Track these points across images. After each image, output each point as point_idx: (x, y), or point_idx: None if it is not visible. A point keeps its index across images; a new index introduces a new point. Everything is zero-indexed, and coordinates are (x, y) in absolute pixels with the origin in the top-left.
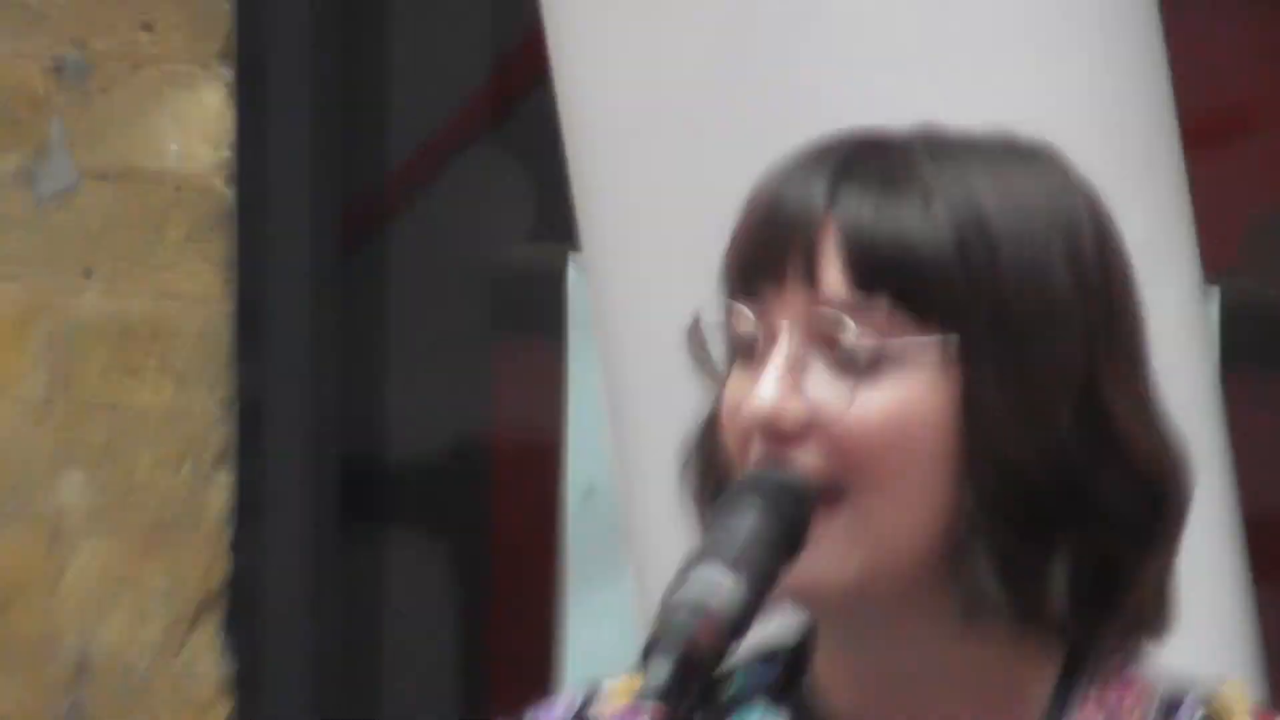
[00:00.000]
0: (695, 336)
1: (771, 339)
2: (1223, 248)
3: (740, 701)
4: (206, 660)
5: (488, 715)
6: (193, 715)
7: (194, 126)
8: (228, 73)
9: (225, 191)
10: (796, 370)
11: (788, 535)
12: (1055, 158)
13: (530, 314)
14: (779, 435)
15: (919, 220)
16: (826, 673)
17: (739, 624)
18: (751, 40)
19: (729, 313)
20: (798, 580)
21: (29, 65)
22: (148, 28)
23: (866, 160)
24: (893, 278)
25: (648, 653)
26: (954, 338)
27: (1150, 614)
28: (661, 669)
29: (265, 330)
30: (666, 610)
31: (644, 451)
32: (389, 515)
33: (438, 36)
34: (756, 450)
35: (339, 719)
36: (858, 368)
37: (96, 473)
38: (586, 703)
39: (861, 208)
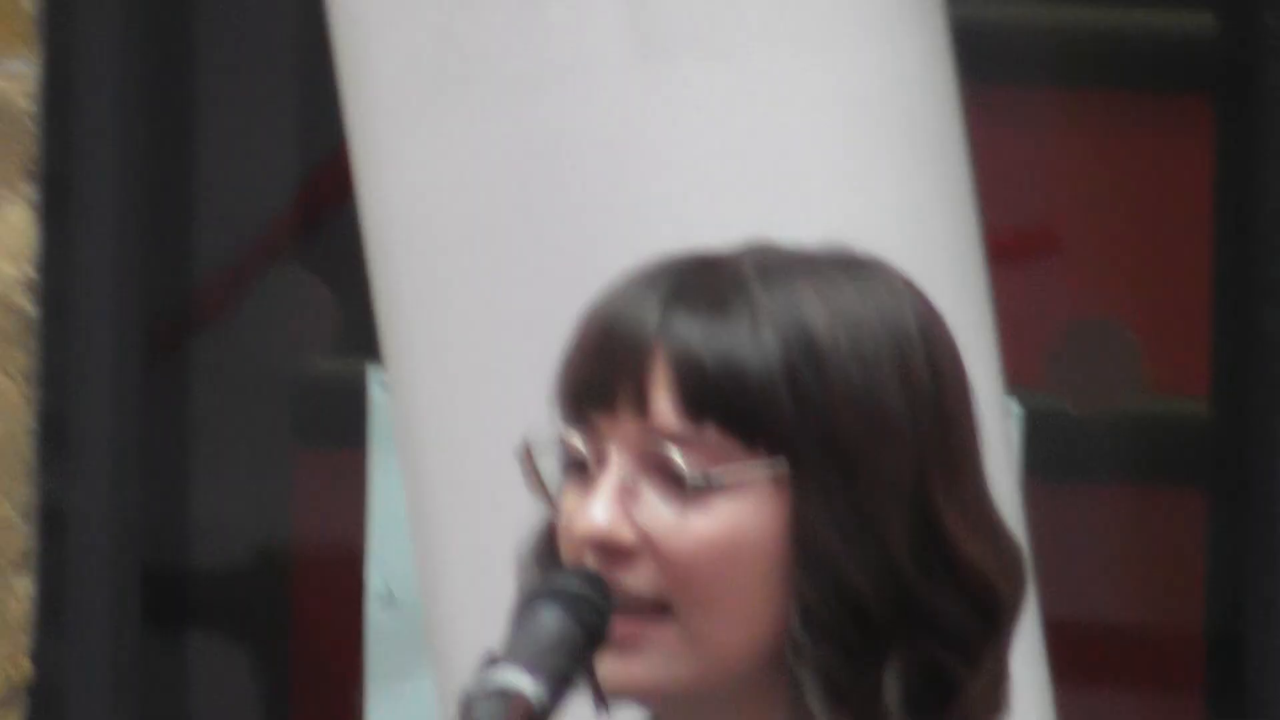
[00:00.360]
0: (526, 457)
1: (602, 461)
2: (1025, 362)
3: None
4: None
5: None
6: None
7: None
8: (33, 191)
9: (28, 307)
10: (626, 495)
11: (585, 640)
12: (886, 269)
13: (333, 425)
14: (610, 555)
15: (748, 347)
16: None
17: None
18: (567, 159)
19: (561, 436)
20: (632, 682)
21: None
22: None
23: (696, 284)
24: (720, 407)
25: None
26: (782, 461)
27: (981, 714)
28: None
29: (68, 440)
30: (467, 705)
31: (446, 557)
32: (190, 621)
33: (246, 154)
34: (591, 563)
35: None
36: (686, 493)
37: None
38: None
39: (690, 335)
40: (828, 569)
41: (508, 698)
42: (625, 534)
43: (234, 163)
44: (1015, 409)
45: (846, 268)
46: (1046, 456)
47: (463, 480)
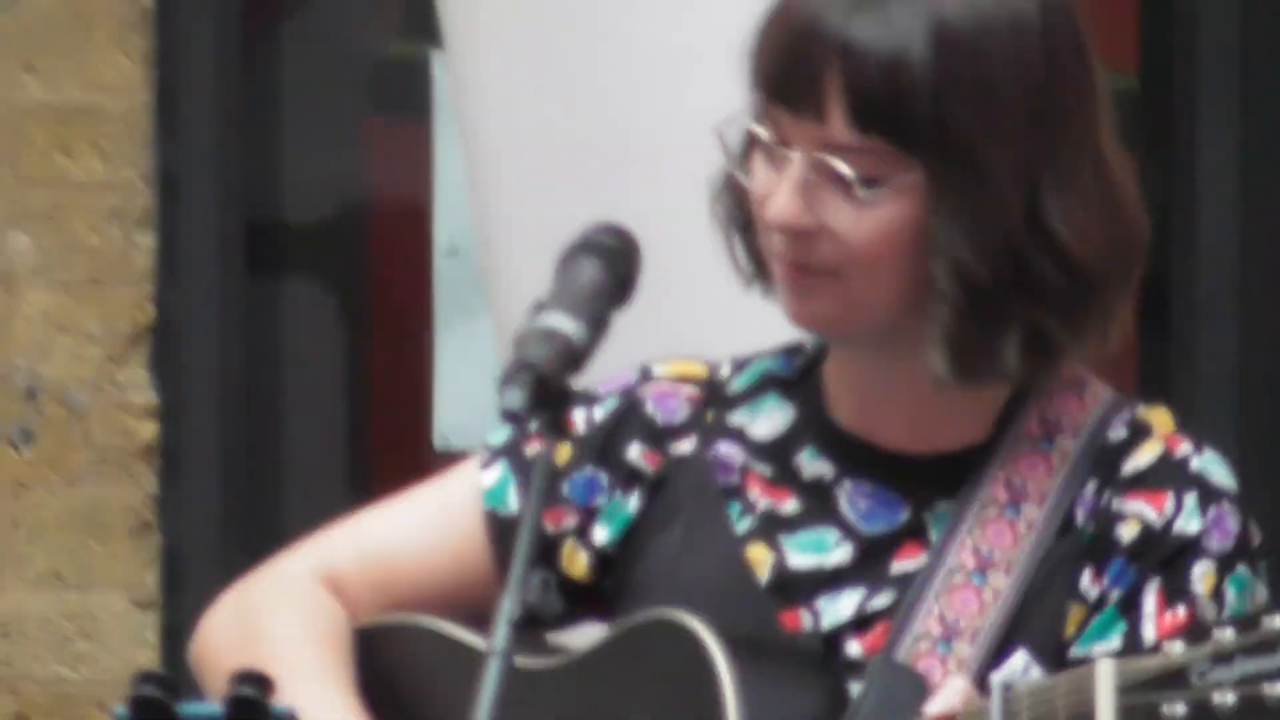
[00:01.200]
0: (724, 134)
1: (784, 156)
2: None
3: (752, 394)
4: (135, 390)
5: (371, 430)
6: (124, 437)
7: None
8: None
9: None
10: (806, 189)
11: (617, 288)
12: None
13: (402, 100)
14: (794, 236)
15: (911, 71)
16: (833, 377)
17: (578, 357)
18: None
19: (751, 129)
20: (805, 315)
21: None
22: None
23: (869, 4)
24: (883, 124)
25: (506, 379)
26: (921, 169)
27: (1092, 353)
28: (517, 392)
29: (179, 113)
30: (520, 344)
31: (500, 214)
32: (284, 269)
33: None
34: (777, 242)
35: (247, 438)
36: (853, 193)
37: (40, 235)
38: (639, 381)
39: (865, 59)
40: (950, 254)
41: (553, 336)
42: (806, 221)
43: None
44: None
45: None
46: None
47: (515, 148)
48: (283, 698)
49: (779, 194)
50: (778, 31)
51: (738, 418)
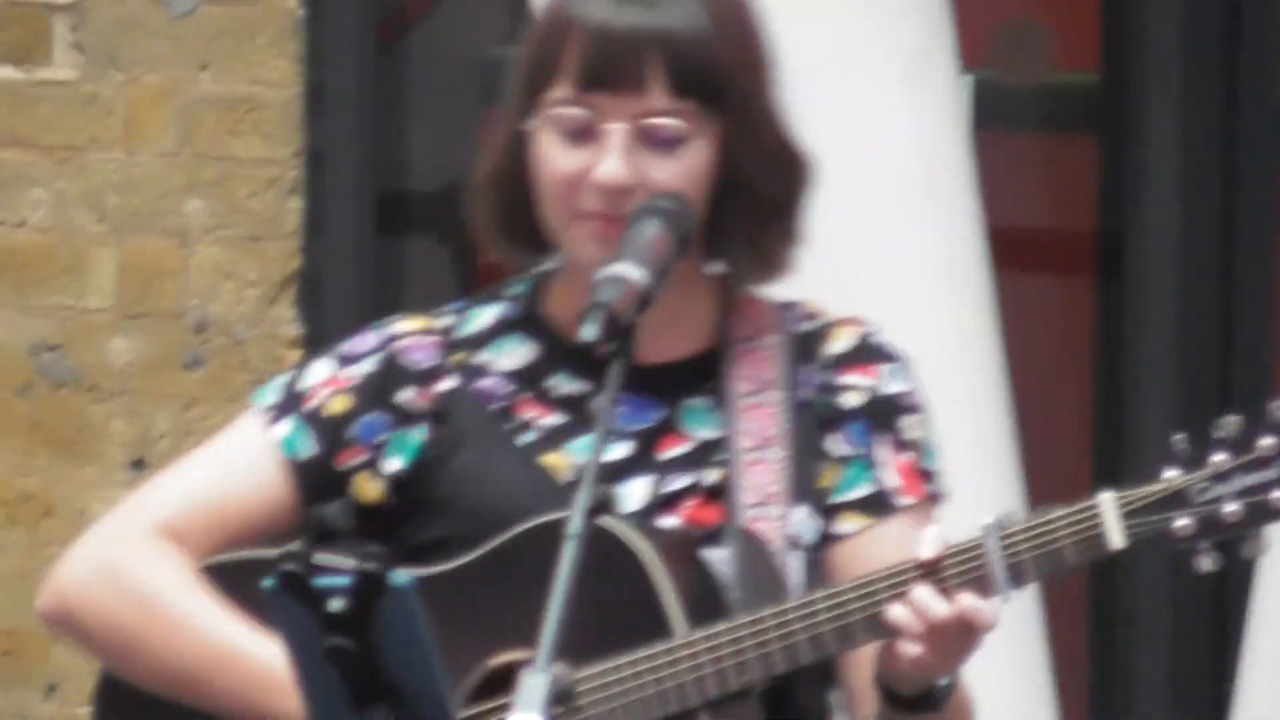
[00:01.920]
0: (511, 128)
1: (600, 128)
2: (972, 48)
3: (492, 335)
4: (285, 325)
5: None
6: (275, 362)
7: None
8: None
9: (297, 10)
10: (625, 153)
11: (677, 242)
12: None
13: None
14: (615, 194)
15: (698, 29)
16: (560, 305)
17: (644, 298)
18: None
19: (562, 113)
20: (606, 259)
21: None
22: None
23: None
24: (690, 83)
25: (583, 316)
26: (719, 121)
27: (777, 263)
28: (592, 326)
29: (325, 104)
30: (597, 287)
31: None
32: (410, 231)
33: None
34: (591, 201)
35: None
36: (669, 146)
37: (211, 200)
38: (387, 339)
39: (660, 24)
40: (746, 181)
41: (621, 281)
42: (630, 179)
43: None
44: (966, 80)
45: None
46: (984, 112)
47: None
48: (197, 646)
49: (607, 160)
50: (581, 37)
51: (484, 356)
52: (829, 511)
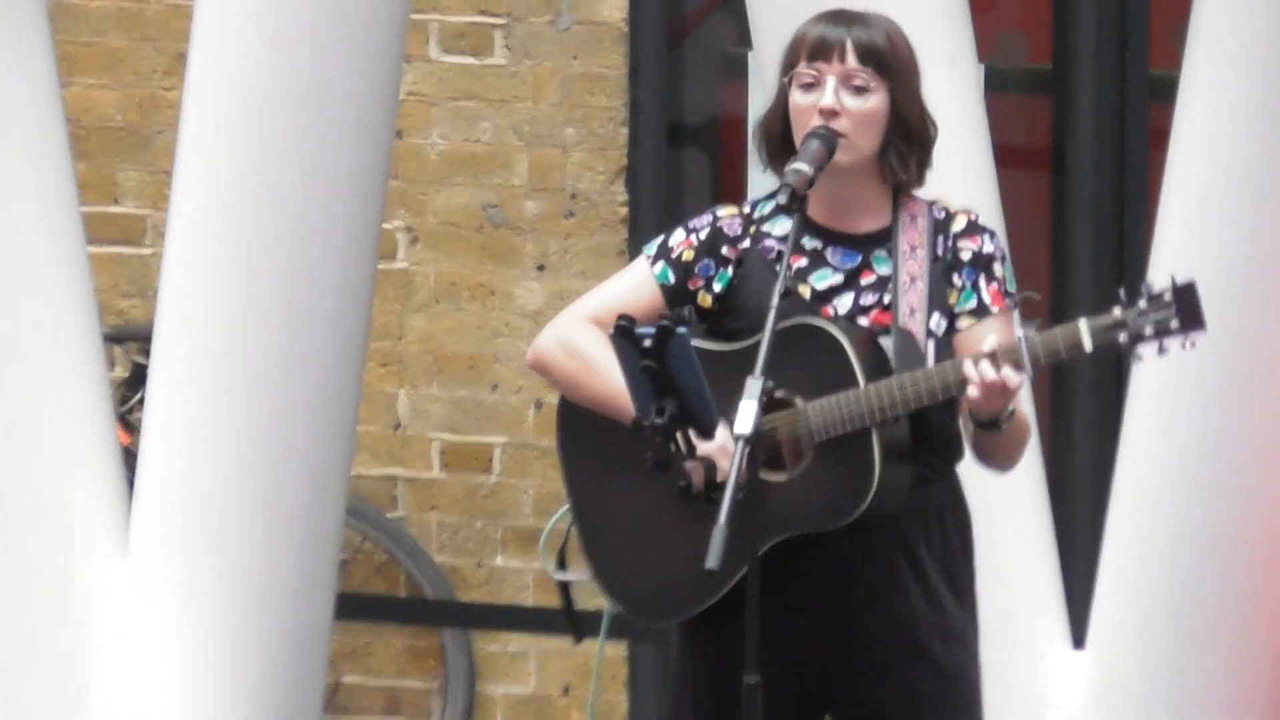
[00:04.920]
0: (780, 90)
1: (822, 80)
2: (982, 45)
3: (770, 216)
4: (619, 197)
5: None
6: (613, 214)
7: None
8: None
9: (622, 24)
10: (835, 93)
11: (828, 150)
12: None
13: (738, 75)
14: (828, 115)
15: (878, 35)
16: (814, 200)
17: (811, 181)
18: None
19: (801, 73)
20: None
21: None
22: None
23: (852, 17)
24: (873, 59)
25: (776, 194)
26: (886, 86)
27: (922, 178)
28: (784, 195)
29: (639, 77)
30: (783, 175)
31: None
32: (684, 145)
33: None
34: (815, 118)
35: None
36: (860, 91)
37: (578, 127)
38: (714, 218)
39: (856, 32)
40: (899, 125)
41: (799, 173)
42: (836, 105)
43: None
44: (981, 68)
45: (883, 18)
46: (990, 82)
47: None
48: (604, 382)
49: (825, 95)
50: (814, 34)
51: (767, 227)
52: (953, 317)
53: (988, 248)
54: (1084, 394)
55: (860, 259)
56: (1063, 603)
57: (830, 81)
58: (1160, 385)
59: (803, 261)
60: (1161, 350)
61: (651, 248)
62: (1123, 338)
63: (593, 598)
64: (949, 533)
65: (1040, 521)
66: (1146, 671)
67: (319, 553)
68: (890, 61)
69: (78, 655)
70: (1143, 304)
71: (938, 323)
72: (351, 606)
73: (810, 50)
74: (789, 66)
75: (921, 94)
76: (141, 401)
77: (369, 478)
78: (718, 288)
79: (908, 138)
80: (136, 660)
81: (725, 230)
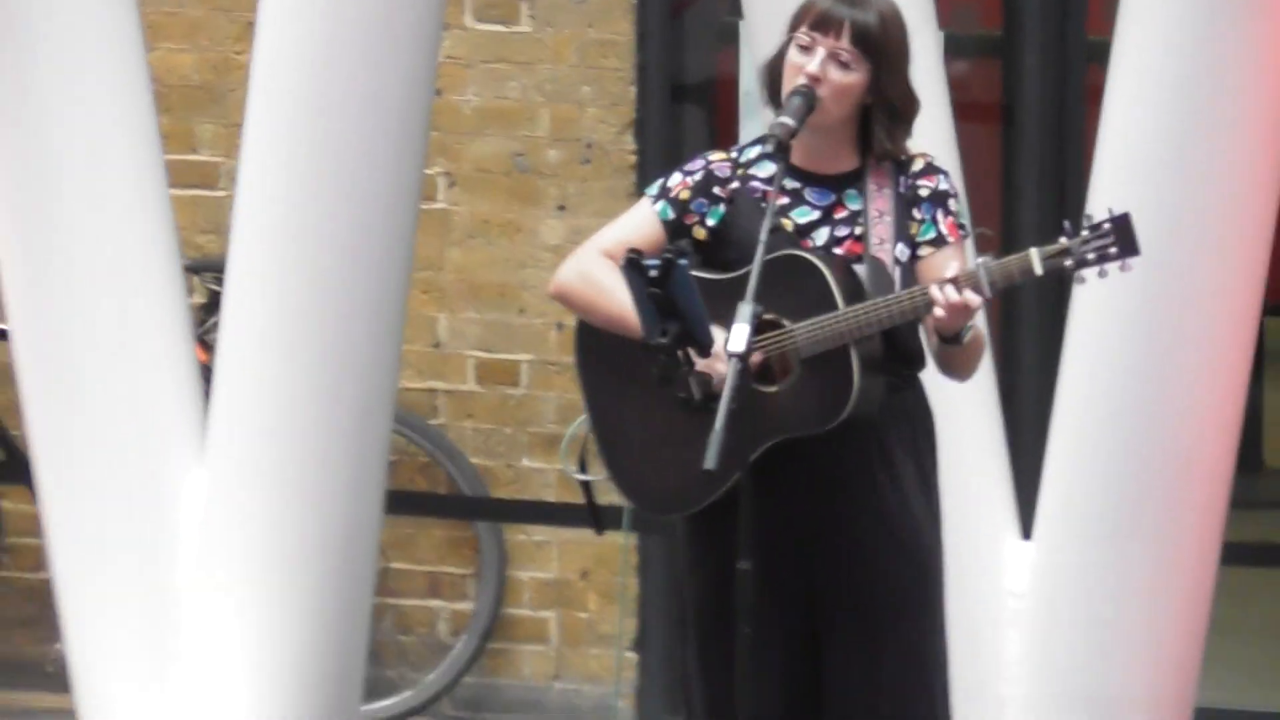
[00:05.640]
0: (784, 42)
1: (815, 48)
2: (941, 17)
3: (757, 160)
4: (628, 145)
5: None
6: (624, 161)
7: None
8: None
9: None
10: (822, 63)
11: (808, 107)
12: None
13: (731, 40)
14: (813, 80)
15: (874, 22)
16: (796, 148)
17: (794, 132)
18: None
19: (801, 37)
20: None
21: None
22: None
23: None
24: (862, 39)
25: (760, 140)
26: (869, 64)
27: (900, 143)
28: (771, 143)
29: (647, 43)
30: (768, 128)
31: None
32: (684, 102)
33: None
34: (801, 78)
35: None
36: (843, 64)
37: (594, 85)
38: (706, 162)
39: (855, 14)
40: (881, 98)
41: (783, 125)
42: (819, 73)
43: None
44: (941, 34)
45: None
46: (948, 48)
47: None
48: (615, 305)
49: (812, 62)
50: (822, 7)
51: (753, 170)
52: (914, 246)
53: (943, 185)
54: (1030, 310)
55: (834, 197)
56: (1013, 498)
57: (820, 52)
58: (1098, 304)
59: (785, 200)
60: (1102, 274)
61: (653, 189)
62: (1069, 263)
63: (611, 495)
64: (917, 433)
65: (992, 426)
66: (1086, 560)
67: (371, 455)
68: (878, 45)
69: (162, 540)
70: (1085, 233)
71: (902, 251)
72: (398, 502)
73: (814, 20)
74: (795, 25)
75: (908, 76)
76: (216, 324)
77: (413, 390)
78: (711, 223)
79: (892, 113)
80: (212, 544)
81: (716, 173)
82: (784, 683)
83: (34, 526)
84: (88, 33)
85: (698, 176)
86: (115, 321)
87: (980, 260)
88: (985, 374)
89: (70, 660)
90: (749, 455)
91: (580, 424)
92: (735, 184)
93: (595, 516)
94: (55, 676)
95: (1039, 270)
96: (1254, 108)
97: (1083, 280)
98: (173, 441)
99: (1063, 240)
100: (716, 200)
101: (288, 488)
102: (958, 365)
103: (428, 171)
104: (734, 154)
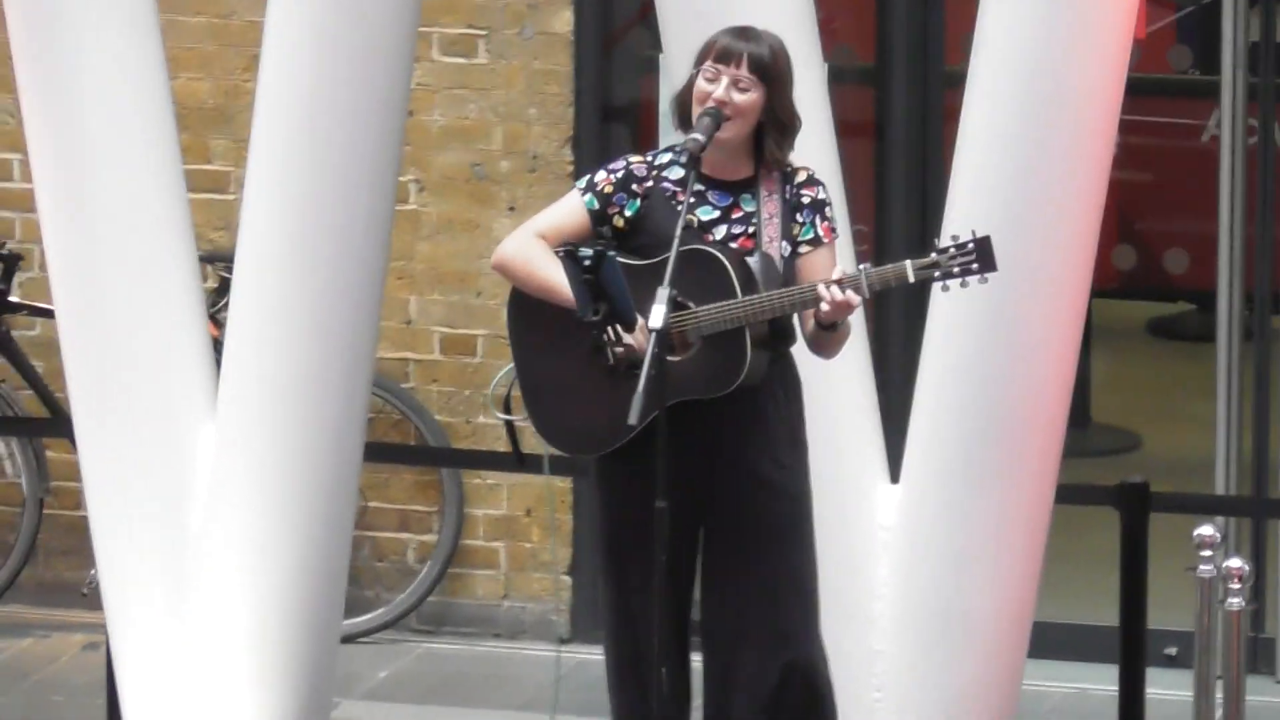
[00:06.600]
0: (692, 76)
1: (720, 77)
2: (825, 48)
3: (669, 164)
4: (565, 158)
5: None
6: (562, 168)
7: None
8: None
9: (569, 35)
10: (727, 90)
11: (716, 128)
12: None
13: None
14: (720, 104)
15: (766, 53)
16: (706, 158)
17: (704, 146)
18: None
19: (706, 70)
20: (717, 139)
21: None
22: None
23: (751, 34)
24: (758, 67)
25: (678, 151)
26: (764, 88)
27: (785, 153)
28: (683, 156)
29: (584, 75)
30: (684, 143)
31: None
32: (611, 120)
33: None
34: (710, 102)
35: None
36: (743, 90)
37: (539, 108)
38: (627, 163)
39: (751, 47)
40: (772, 117)
41: (695, 141)
42: (725, 99)
43: None
44: (825, 66)
45: (771, 36)
46: (831, 77)
47: None
48: (547, 280)
49: (719, 88)
50: (723, 43)
51: (665, 172)
52: (795, 244)
53: (821, 195)
54: (899, 292)
55: (732, 200)
56: (883, 449)
57: (724, 80)
58: (956, 288)
59: (691, 200)
60: (964, 285)
61: (582, 183)
62: (937, 274)
63: (535, 444)
64: (789, 397)
65: (867, 390)
66: (944, 500)
67: (353, 413)
68: (771, 72)
69: (179, 485)
70: (952, 250)
71: (785, 248)
72: (375, 452)
73: (718, 54)
74: (700, 60)
75: (792, 97)
76: (226, 305)
77: (388, 359)
78: (628, 214)
79: (781, 128)
80: (221, 490)
81: (635, 172)
82: (665, 616)
83: (74, 473)
84: (123, 67)
85: (619, 174)
86: (142, 303)
87: (862, 266)
88: (860, 347)
89: (102, 585)
90: (664, 411)
91: (507, 373)
92: (650, 183)
93: (517, 451)
94: (90, 597)
95: (911, 278)
96: (1087, 132)
97: (947, 288)
98: (188, 403)
99: (934, 255)
100: (634, 195)
101: (284, 441)
102: (828, 347)
103: (401, 179)
104: (650, 157)
